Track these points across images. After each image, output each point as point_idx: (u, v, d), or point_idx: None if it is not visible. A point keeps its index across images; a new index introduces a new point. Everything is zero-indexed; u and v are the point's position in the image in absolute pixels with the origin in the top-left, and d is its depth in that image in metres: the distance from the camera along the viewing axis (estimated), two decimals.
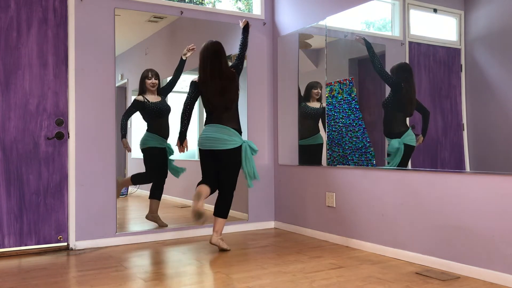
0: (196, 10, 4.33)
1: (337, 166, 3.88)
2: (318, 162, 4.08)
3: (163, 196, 4.20)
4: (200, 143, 3.58)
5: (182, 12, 4.25)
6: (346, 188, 3.80)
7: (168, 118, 4.20)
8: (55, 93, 3.74)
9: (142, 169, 4.21)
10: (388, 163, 3.35)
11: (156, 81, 4.14)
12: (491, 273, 2.72)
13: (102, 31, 3.91)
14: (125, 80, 4.16)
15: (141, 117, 4.15)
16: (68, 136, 3.77)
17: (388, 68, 3.41)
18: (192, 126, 3.65)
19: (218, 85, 3.49)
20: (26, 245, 3.62)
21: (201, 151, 3.61)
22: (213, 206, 3.66)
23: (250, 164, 3.57)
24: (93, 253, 3.63)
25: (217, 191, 3.64)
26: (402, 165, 3.30)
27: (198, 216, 3.39)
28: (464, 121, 2.91)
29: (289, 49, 4.50)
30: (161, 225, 4.14)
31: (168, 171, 4.20)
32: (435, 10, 3.15)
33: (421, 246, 3.16)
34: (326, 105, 3.98)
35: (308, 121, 4.17)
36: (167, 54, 4.26)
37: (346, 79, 3.81)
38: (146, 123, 4.16)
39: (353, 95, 3.74)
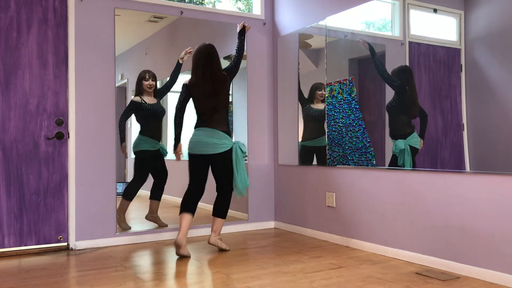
0: (196, 10, 4.33)
1: (337, 166, 3.88)
2: (322, 164, 4.07)
3: (163, 196, 4.20)
4: (190, 147, 3.53)
5: (182, 12, 4.25)
6: (346, 188, 3.80)
7: (162, 121, 4.18)
8: (55, 93, 3.74)
9: None
10: (403, 165, 3.29)
11: (153, 83, 4.12)
12: (491, 273, 2.72)
13: (102, 31, 3.91)
14: (125, 80, 4.16)
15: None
16: (68, 136, 3.77)
17: (388, 71, 3.41)
18: (189, 130, 3.63)
19: (209, 87, 3.45)
20: (26, 245, 3.62)
21: (191, 156, 3.54)
22: (211, 206, 3.65)
23: (241, 167, 3.51)
24: (93, 253, 3.63)
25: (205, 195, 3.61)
26: (406, 166, 3.29)
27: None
28: (464, 121, 2.91)
29: (289, 49, 4.50)
30: (161, 225, 4.14)
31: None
32: (435, 10, 3.15)
33: (421, 246, 3.16)
34: (326, 105, 3.98)
35: (312, 123, 4.14)
36: (167, 54, 4.26)
37: (346, 79, 3.81)
38: (139, 125, 4.11)
39: (353, 95, 3.74)
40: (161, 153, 4.18)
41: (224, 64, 3.71)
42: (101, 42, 3.90)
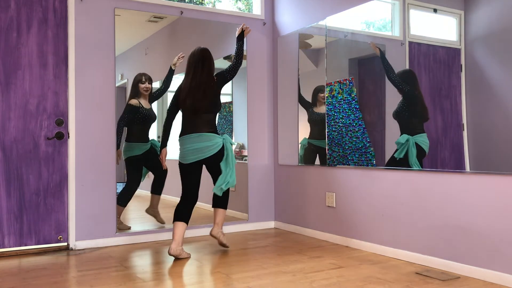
0: (196, 10, 4.33)
1: (337, 166, 3.88)
2: (323, 164, 4.07)
3: (163, 195, 4.20)
4: (181, 157, 3.47)
5: (182, 12, 4.25)
6: (346, 188, 3.80)
7: (150, 126, 4.12)
8: (55, 93, 3.74)
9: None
10: (403, 157, 3.25)
11: (150, 86, 4.09)
12: (491, 273, 2.72)
13: (102, 31, 3.91)
14: (125, 80, 4.16)
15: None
16: (68, 136, 3.77)
17: None
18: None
19: (196, 92, 3.40)
20: (26, 245, 3.62)
21: (183, 165, 3.48)
22: (210, 206, 3.64)
23: (231, 162, 3.46)
24: (93, 253, 3.63)
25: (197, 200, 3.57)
26: (409, 165, 3.26)
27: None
28: (464, 121, 2.91)
29: (289, 49, 4.50)
30: (159, 221, 4.13)
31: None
32: (435, 10, 3.15)
33: (421, 246, 3.16)
34: (326, 105, 3.98)
35: (316, 126, 4.12)
36: (167, 54, 4.26)
37: (346, 79, 3.81)
38: (126, 129, 4.03)
39: (353, 95, 3.74)
40: (154, 149, 4.12)
41: (224, 64, 3.70)
42: (101, 42, 3.90)
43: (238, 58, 3.59)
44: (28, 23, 3.65)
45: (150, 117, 4.11)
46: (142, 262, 3.35)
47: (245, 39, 3.69)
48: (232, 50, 4.14)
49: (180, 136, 3.51)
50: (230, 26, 4.42)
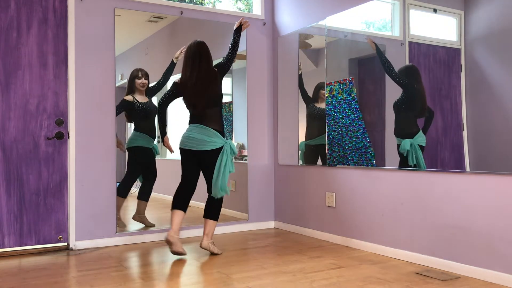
0: (196, 10, 4.33)
1: (337, 166, 3.88)
2: (323, 164, 4.07)
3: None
4: (181, 141, 3.52)
5: (182, 12, 4.25)
6: (346, 188, 3.80)
7: (154, 119, 4.16)
8: (55, 93, 3.74)
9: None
10: (416, 164, 3.23)
11: (146, 81, 4.11)
12: (491, 273, 2.72)
13: (102, 31, 3.91)
14: (125, 80, 4.16)
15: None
16: (68, 136, 3.77)
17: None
18: (184, 126, 3.62)
19: (198, 85, 3.41)
20: (26, 245, 3.62)
21: (182, 150, 3.53)
22: (202, 204, 3.62)
23: (226, 169, 3.42)
24: (93, 253, 3.63)
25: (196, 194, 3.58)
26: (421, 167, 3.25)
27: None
28: (464, 121, 2.91)
29: (289, 49, 4.50)
30: (148, 225, 4.13)
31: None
32: (435, 10, 3.15)
33: (421, 246, 3.16)
34: (326, 105, 3.98)
35: (317, 122, 4.13)
36: (167, 54, 4.26)
37: (346, 79, 3.81)
38: (133, 123, 4.13)
39: (353, 95, 3.74)
40: (154, 152, 4.17)
41: None
42: (101, 42, 3.90)
43: (233, 50, 3.60)
44: (28, 23, 3.65)
45: (149, 110, 4.13)
46: (142, 262, 3.35)
47: (242, 33, 3.68)
48: None
49: (189, 123, 3.54)
50: (230, 26, 4.42)
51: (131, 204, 4.16)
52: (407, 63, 3.31)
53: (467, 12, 2.92)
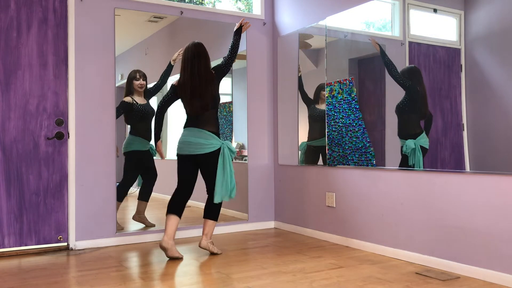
0: (196, 10, 4.33)
1: (337, 166, 3.88)
2: (325, 162, 4.07)
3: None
4: (178, 148, 3.48)
5: (182, 12, 4.25)
6: (346, 188, 3.80)
7: (151, 121, 4.12)
8: (55, 93, 3.74)
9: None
10: (414, 165, 3.24)
11: (144, 82, 4.09)
12: (491, 273, 2.72)
13: (102, 31, 3.91)
14: (125, 80, 4.16)
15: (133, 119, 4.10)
16: (68, 136, 3.77)
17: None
18: (180, 131, 3.60)
19: (195, 87, 3.39)
20: (26, 245, 3.62)
21: (179, 156, 3.49)
22: (203, 204, 3.62)
23: (228, 169, 3.41)
24: (93, 253, 3.63)
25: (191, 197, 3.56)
26: (419, 167, 3.25)
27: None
28: (464, 121, 2.91)
29: (289, 49, 4.50)
30: (148, 226, 4.13)
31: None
32: (435, 10, 3.15)
33: (421, 246, 3.16)
34: (326, 105, 3.98)
35: (318, 123, 4.12)
36: (167, 54, 4.26)
37: (346, 79, 3.81)
38: (129, 126, 4.09)
39: (353, 95, 3.74)
40: (151, 153, 4.16)
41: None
42: (101, 42, 3.90)
43: (232, 52, 3.56)
44: (28, 23, 3.65)
45: (147, 112, 4.12)
46: (142, 262, 3.35)
47: (242, 36, 3.64)
48: None
49: (184, 127, 3.52)
50: (230, 26, 4.42)
51: (130, 204, 4.16)
52: (407, 63, 3.31)
53: (467, 12, 2.92)
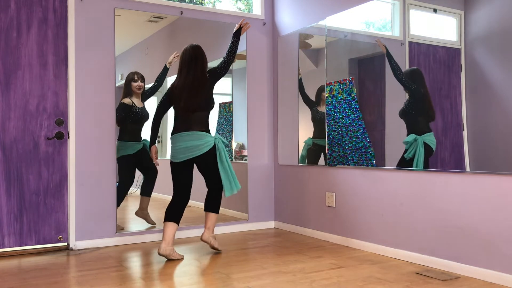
0: (196, 10, 4.33)
1: (337, 166, 3.88)
2: (323, 164, 4.07)
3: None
4: (172, 156, 3.44)
5: (182, 12, 4.25)
6: (346, 188, 3.80)
7: (143, 125, 4.09)
8: (55, 93, 3.74)
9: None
10: (413, 157, 3.22)
11: (142, 84, 4.07)
12: (491, 273, 2.72)
13: (102, 31, 3.91)
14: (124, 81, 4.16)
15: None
16: (68, 136, 3.77)
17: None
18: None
19: (189, 89, 3.38)
20: (26, 245, 3.62)
21: (174, 164, 3.46)
22: (202, 204, 3.61)
23: (226, 161, 3.42)
24: (93, 253, 3.63)
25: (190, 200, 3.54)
26: (418, 165, 3.23)
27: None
28: (464, 121, 2.91)
29: (289, 49, 4.50)
30: (150, 223, 4.13)
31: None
32: (435, 10, 3.15)
33: (421, 246, 3.16)
34: (326, 105, 3.98)
35: (320, 126, 4.10)
36: (167, 54, 4.26)
37: (346, 79, 3.81)
38: (119, 128, 4.00)
39: (353, 95, 3.74)
40: (146, 149, 4.08)
41: None
42: (101, 42, 3.90)
43: (230, 54, 3.53)
44: (28, 23, 3.65)
45: (143, 116, 4.10)
46: (142, 262, 3.35)
47: (242, 36, 3.63)
48: None
49: (172, 134, 3.47)
50: (230, 26, 4.42)
51: (130, 204, 4.16)
52: (407, 63, 3.31)
53: (467, 12, 2.92)
